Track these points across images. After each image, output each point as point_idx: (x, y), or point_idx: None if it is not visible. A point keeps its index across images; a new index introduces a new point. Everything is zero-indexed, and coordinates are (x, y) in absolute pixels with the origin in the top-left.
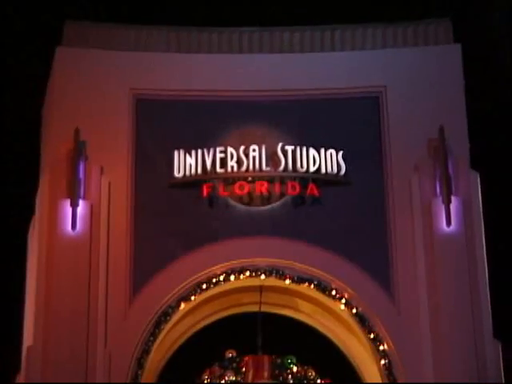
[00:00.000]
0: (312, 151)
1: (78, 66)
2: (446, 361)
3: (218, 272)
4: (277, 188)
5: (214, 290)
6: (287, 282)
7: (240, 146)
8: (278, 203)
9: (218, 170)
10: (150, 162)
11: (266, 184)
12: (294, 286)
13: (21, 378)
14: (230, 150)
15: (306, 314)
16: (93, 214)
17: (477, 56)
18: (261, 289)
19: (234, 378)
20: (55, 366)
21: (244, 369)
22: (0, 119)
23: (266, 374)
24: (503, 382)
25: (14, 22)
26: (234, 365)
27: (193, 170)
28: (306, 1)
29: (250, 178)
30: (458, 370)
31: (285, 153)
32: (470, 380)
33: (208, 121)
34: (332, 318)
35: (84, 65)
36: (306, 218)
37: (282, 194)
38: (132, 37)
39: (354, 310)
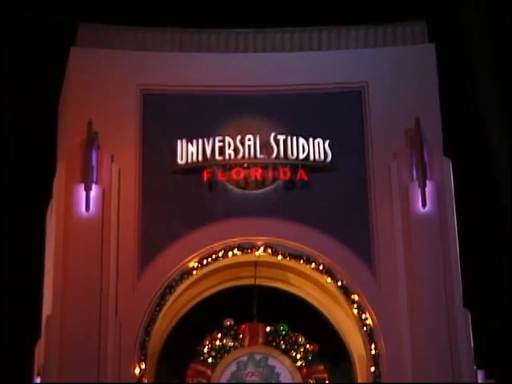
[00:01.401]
0: (301, 140)
1: (90, 64)
2: (421, 329)
3: (218, 249)
4: (270, 173)
5: (213, 265)
6: (279, 257)
7: (237, 135)
8: (270, 187)
9: (217, 157)
10: (156, 150)
11: (260, 170)
12: (286, 262)
13: (41, 343)
14: (227, 139)
15: (297, 286)
16: (104, 197)
17: (450, 54)
18: (255, 264)
19: (231, 344)
20: (71, 334)
21: (241, 335)
22: (20, 113)
23: (260, 340)
24: (472, 346)
25: (34, 26)
26: (232, 332)
27: (194, 158)
28: (296, 4)
29: (245, 165)
30: (433, 336)
31: (277, 142)
32: (443, 345)
33: (208, 113)
34: (319, 290)
35: (95, 63)
36: (296, 201)
37: (275, 179)
38: (139, 38)
39: (339, 283)
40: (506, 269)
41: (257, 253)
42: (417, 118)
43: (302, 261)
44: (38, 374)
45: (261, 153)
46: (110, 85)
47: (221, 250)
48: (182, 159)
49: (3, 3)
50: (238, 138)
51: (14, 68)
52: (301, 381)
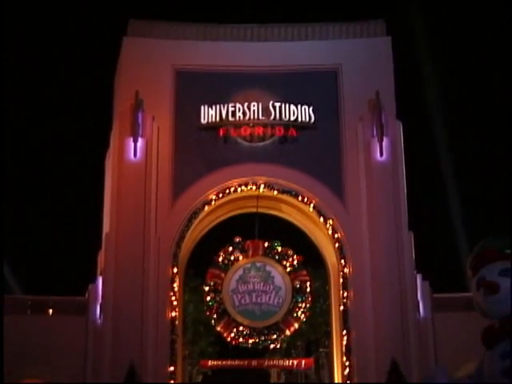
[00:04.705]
0: (292, 106)
1: (138, 50)
2: (378, 244)
3: (230, 185)
4: (269, 131)
5: (227, 198)
6: (275, 192)
7: (245, 102)
8: (269, 141)
9: (230, 118)
10: (185, 112)
11: (261, 128)
12: (280, 196)
13: (102, 254)
14: (238, 105)
15: (288, 213)
16: (147, 146)
17: (402, 44)
18: (258, 197)
19: (239, 255)
20: (123, 246)
21: (246, 249)
22: (87, 86)
23: (260, 252)
24: (413, 256)
25: (98, 21)
26: (240, 246)
27: (213, 119)
28: (289, 5)
29: (251, 124)
30: (385, 249)
31: (274, 107)
32: (392, 255)
33: (223, 86)
34: (304, 216)
35: (141, 49)
36: (288, 151)
37: (272, 135)
38: (173, 29)
39: (319, 211)
40: (439, 202)
41: (259, 189)
42: (377, 91)
43: (291, 195)
44: (100, 274)
45: (262, 115)
46: (152, 65)
47: (232, 186)
48: (204, 119)
49: (82, 7)
50: (246, 104)
51: (83, 54)
52: (289, 282)
